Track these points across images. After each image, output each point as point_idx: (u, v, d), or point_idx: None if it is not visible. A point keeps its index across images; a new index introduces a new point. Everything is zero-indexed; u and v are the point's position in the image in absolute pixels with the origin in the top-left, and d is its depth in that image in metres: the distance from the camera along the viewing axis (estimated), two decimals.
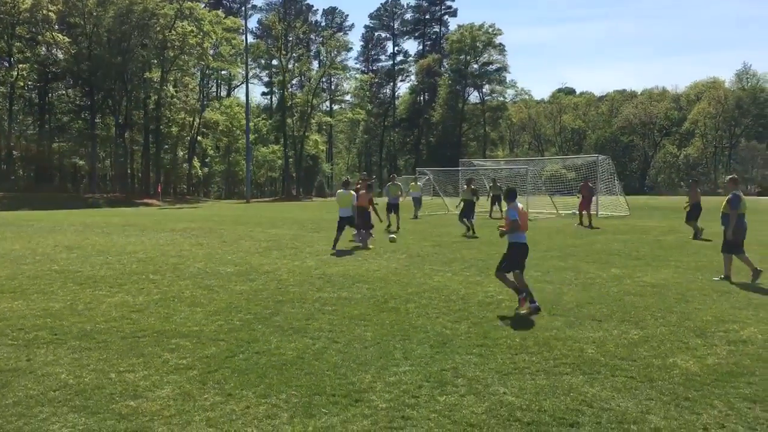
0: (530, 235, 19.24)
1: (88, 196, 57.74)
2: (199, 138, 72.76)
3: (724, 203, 12.01)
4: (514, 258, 9.26)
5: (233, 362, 6.59)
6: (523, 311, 8.85)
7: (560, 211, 31.93)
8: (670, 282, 11.25)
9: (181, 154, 72.96)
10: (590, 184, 26.28)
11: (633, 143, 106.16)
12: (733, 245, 11.76)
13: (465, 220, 20.77)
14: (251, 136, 68.80)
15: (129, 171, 70.48)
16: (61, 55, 61.43)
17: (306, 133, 79.45)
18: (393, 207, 23.13)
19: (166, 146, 70.30)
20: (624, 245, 17.14)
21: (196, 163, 74.36)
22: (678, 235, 20.09)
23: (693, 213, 19.95)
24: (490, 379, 6.01)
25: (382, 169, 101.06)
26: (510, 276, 9.24)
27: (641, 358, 6.67)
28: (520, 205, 9.36)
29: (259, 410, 5.28)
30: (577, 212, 25.39)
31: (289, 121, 79.53)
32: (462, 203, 21.59)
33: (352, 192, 17.25)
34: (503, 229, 9.43)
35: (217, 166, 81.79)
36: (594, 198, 26.51)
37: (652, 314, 8.68)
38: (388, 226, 22.27)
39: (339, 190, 17.63)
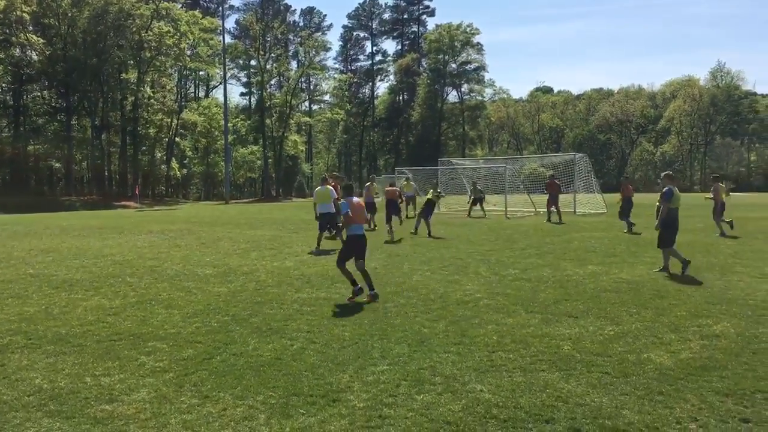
0: (508, 234, 19.39)
1: (65, 198, 57.08)
2: (177, 139, 72.27)
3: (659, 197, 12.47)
4: (349, 248, 10.08)
5: (210, 364, 6.56)
6: (362, 300, 9.61)
7: (538, 209, 32.10)
8: (645, 278, 11.38)
9: (159, 155, 72.41)
10: (556, 181, 27.13)
11: (610, 141, 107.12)
12: (665, 239, 12.15)
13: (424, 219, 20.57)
14: (230, 137, 68.49)
15: (106, 173, 69.78)
16: (35, 57, 60.61)
17: (285, 134, 79.22)
18: (369, 206, 23.16)
19: (144, 148, 69.69)
20: (601, 242, 17.30)
21: (175, 164, 73.83)
22: (653, 231, 20.27)
23: (625, 209, 21.22)
24: (467, 377, 6.04)
25: (362, 169, 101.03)
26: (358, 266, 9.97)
27: (616, 353, 6.74)
28: (355, 200, 10.17)
29: (237, 412, 5.27)
30: (546, 210, 26.34)
31: (268, 121, 79.26)
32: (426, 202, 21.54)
33: (330, 187, 17.14)
34: (341, 223, 10.18)
35: (195, 168, 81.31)
36: (560, 195, 27.17)
37: (627, 310, 8.78)
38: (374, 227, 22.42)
39: (317, 188, 17.36)
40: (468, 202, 31.15)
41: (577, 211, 30.65)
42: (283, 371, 6.29)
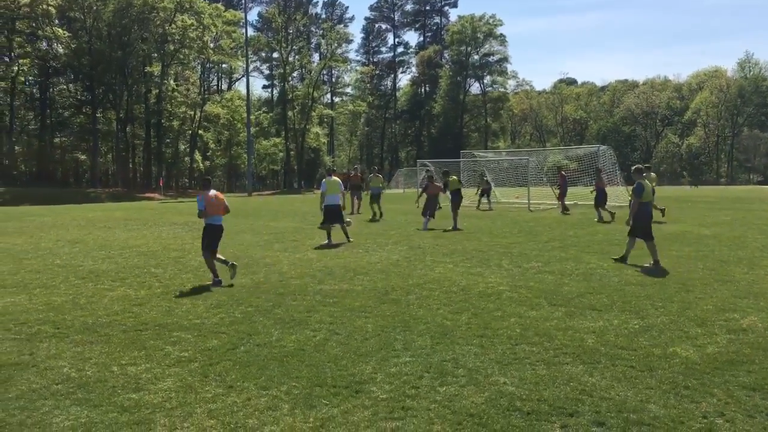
0: (530, 227, 19.27)
1: (90, 190, 57.82)
2: (200, 132, 72.78)
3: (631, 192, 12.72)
4: (209, 238, 10.95)
5: (234, 354, 6.62)
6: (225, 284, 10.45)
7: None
8: (671, 272, 11.26)
9: (182, 147, 73.03)
10: (563, 173, 28.02)
11: (635, 133, 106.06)
12: (638, 231, 12.33)
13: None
14: (252, 129, 68.77)
15: (131, 165, 70.62)
16: (61, 50, 61.42)
17: (307, 126, 79.45)
18: (375, 197, 25.43)
19: (168, 140, 70.35)
20: (625, 235, 17.11)
21: (198, 156, 74.41)
22: (679, 225, 20.08)
23: (599, 198, 22.09)
24: (490, 370, 6.03)
25: (384, 161, 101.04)
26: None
27: (641, 347, 6.68)
28: (211, 193, 10.96)
29: (261, 402, 5.31)
30: (558, 203, 26.99)
31: (290, 113, 79.53)
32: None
33: (337, 179, 17.04)
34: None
35: (218, 160, 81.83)
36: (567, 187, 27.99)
37: (652, 304, 8.69)
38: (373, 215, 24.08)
39: (325, 179, 16.98)
40: (476, 194, 30.93)
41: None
42: (306, 362, 6.32)
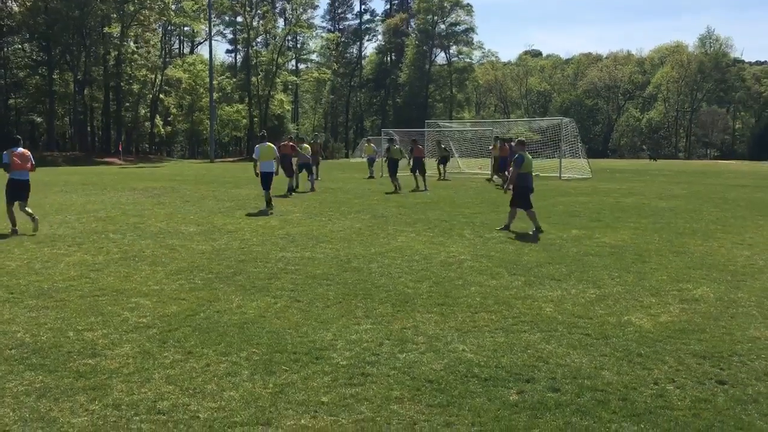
0: (493, 197, 19.42)
1: (47, 154, 56.26)
2: (161, 96, 71.17)
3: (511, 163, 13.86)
4: (9, 191, 12.12)
5: (194, 321, 6.57)
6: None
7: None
8: (628, 243, 11.48)
9: (142, 112, 71.35)
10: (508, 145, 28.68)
11: (597, 106, 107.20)
12: (518, 200, 12.84)
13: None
14: (215, 95, 67.52)
15: (89, 129, 68.87)
16: (15, 8, 59.16)
17: (271, 93, 78.27)
18: (371, 162, 28.94)
19: (127, 104, 68.60)
20: (585, 207, 17.40)
21: (159, 121, 72.94)
22: (637, 197, 20.45)
23: (499, 166, 25.10)
24: (449, 337, 6.10)
25: (348, 130, 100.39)
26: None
27: (597, 316, 6.82)
28: (18, 150, 12.12)
29: (220, 368, 5.29)
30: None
31: (253, 79, 78.20)
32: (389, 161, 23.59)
33: (271, 145, 16.96)
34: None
35: (180, 125, 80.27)
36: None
37: (609, 274, 8.87)
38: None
39: (258, 144, 16.82)
40: (437, 164, 30.79)
41: (562, 176, 30.73)
42: (266, 329, 6.31)
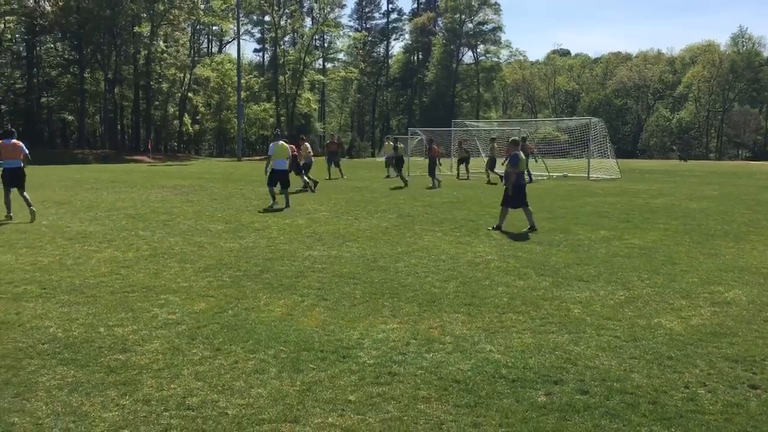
0: None
1: (77, 151, 57.17)
2: (189, 95, 71.80)
3: (506, 163, 13.90)
4: (4, 178, 13.65)
5: (222, 318, 6.63)
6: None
7: (551, 173, 31.94)
8: (657, 244, 11.33)
9: (171, 110, 72.12)
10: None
11: (626, 106, 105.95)
12: (513, 200, 12.94)
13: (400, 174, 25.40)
14: (243, 94, 67.99)
15: (119, 127, 69.81)
16: (48, 8, 60.12)
17: (298, 91, 78.65)
18: (390, 161, 29.19)
19: (157, 103, 69.43)
20: (614, 208, 17.21)
21: (187, 120, 73.61)
22: (667, 198, 20.18)
23: (490, 163, 26.92)
24: (476, 337, 6.07)
25: (375, 129, 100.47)
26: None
27: (626, 318, 6.74)
28: (10, 141, 13.63)
29: (248, 365, 5.32)
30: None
31: (281, 78, 78.61)
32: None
33: (285, 144, 17.26)
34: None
35: (208, 124, 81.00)
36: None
37: (638, 276, 8.76)
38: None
39: (273, 143, 17.03)
40: (454, 161, 31.11)
41: (590, 176, 30.44)
42: (293, 327, 6.34)
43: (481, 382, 4.99)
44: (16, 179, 13.62)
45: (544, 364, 5.39)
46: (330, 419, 4.36)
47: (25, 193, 13.66)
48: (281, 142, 16.97)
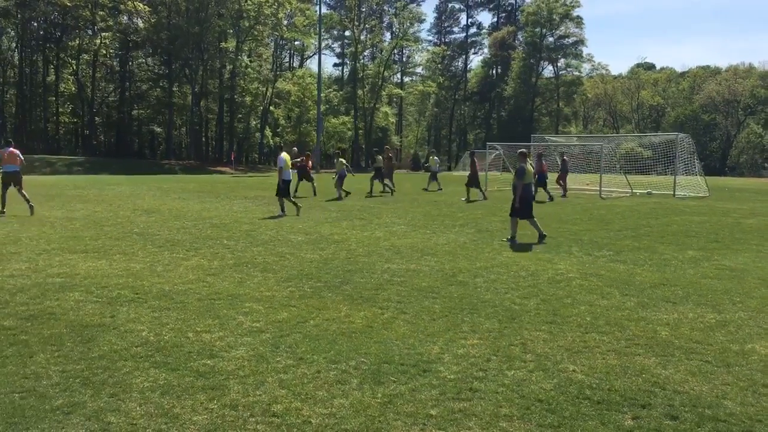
0: (601, 214, 18.87)
1: (165, 162, 59.58)
2: (271, 108, 73.72)
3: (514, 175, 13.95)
4: (4, 179, 16.24)
5: (304, 328, 6.75)
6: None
7: (635, 190, 31.04)
8: (750, 266, 10.84)
9: (253, 123, 74.18)
10: (565, 158, 29.44)
11: (715, 122, 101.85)
12: (520, 211, 13.28)
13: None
14: (322, 107, 69.25)
15: (203, 139, 72.32)
16: (141, 24, 63.19)
17: (376, 105, 79.52)
18: (433, 175, 30.94)
19: (240, 115, 71.59)
20: (702, 227, 16.57)
21: (268, 132, 75.50)
22: (760, 218, 19.28)
23: (472, 180, 24.94)
24: (559, 356, 5.97)
25: (452, 143, 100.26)
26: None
27: (718, 342, 6.48)
28: (9, 150, 16.34)
29: (330, 375, 5.41)
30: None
31: (360, 92, 79.68)
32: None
33: (288, 155, 18.33)
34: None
35: (288, 136, 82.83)
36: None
37: (730, 298, 8.40)
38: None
39: (282, 154, 18.09)
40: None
41: (676, 193, 29.42)
42: (374, 339, 6.39)
43: (564, 403, 4.90)
44: (14, 180, 16.28)
45: (630, 386, 5.25)
46: None
47: (23, 191, 16.31)
48: (285, 153, 18.21)
